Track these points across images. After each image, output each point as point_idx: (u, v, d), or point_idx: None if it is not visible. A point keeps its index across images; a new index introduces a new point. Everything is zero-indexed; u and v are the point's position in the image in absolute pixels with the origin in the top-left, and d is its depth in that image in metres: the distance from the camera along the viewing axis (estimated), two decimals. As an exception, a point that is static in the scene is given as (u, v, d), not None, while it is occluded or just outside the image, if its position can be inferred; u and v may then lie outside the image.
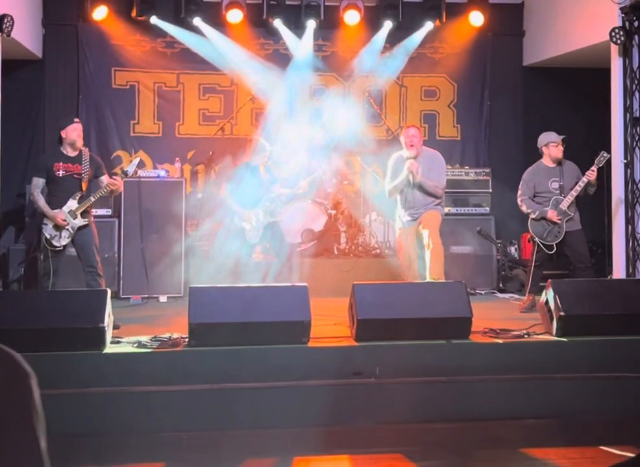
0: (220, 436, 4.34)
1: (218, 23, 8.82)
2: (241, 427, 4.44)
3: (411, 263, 6.60)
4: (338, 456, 4.15)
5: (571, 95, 9.26)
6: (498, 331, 5.18)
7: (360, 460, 4.10)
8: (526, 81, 9.57)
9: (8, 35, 7.03)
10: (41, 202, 5.78)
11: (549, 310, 5.14)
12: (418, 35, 9.12)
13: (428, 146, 6.97)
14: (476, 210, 8.49)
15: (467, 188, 8.49)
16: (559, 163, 6.67)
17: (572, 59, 8.74)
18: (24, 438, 0.86)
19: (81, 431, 4.31)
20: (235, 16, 8.75)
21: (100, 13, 8.66)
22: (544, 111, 9.17)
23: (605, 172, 7.16)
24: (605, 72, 7.67)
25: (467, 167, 8.77)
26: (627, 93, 7.34)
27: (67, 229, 5.77)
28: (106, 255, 7.26)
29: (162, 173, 7.92)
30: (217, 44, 8.81)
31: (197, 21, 8.75)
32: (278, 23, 8.93)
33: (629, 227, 7.30)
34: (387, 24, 9.00)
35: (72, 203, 5.78)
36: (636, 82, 7.29)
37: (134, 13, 8.71)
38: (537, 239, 6.57)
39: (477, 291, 7.90)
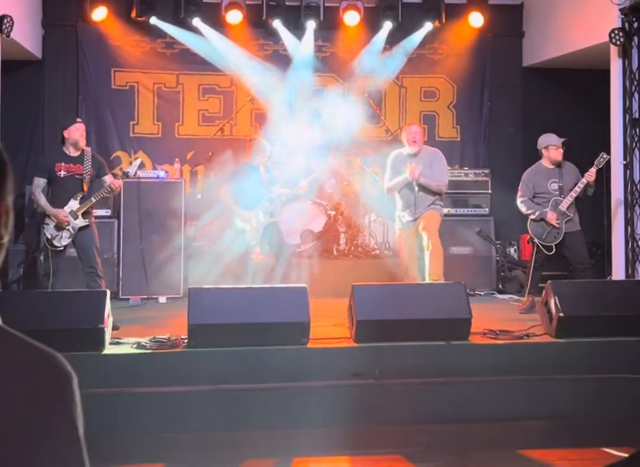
0: (220, 436, 4.35)
1: (218, 23, 8.81)
2: (240, 428, 4.45)
3: (411, 263, 6.60)
4: (337, 457, 4.15)
5: (571, 96, 9.25)
6: (497, 332, 5.19)
7: (360, 461, 4.11)
8: (525, 82, 9.56)
9: (8, 36, 7.03)
10: (43, 200, 5.77)
11: (548, 311, 5.14)
12: (417, 36, 9.11)
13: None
14: (475, 211, 8.49)
15: (467, 189, 8.49)
16: (558, 164, 6.67)
17: (571, 60, 8.74)
18: (67, 440, 0.86)
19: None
20: (234, 17, 8.74)
21: (99, 13, 8.65)
22: (544, 112, 9.16)
23: (604, 173, 7.15)
24: (605, 74, 7.67)
25: (467, 168, 8.78)
26: (627, 94, 7.33)
27: (68, 230, 5.76)
28: (105, 256, 7.25)
29: (162, 174, 7.91)
30: (217, 45, 8.80)
31: (197, 22, 8.74)
32: (277, 24, 8.92)
33: (629, 228, 7.30)
34: (387, 25, 8.99)
35: (73, 204, 5.77)
36: (635, 83, 7.29)
37: (133, 14, 8.69)
38: (536, 240, 6.56)
39: (476, 292, 7.89)
